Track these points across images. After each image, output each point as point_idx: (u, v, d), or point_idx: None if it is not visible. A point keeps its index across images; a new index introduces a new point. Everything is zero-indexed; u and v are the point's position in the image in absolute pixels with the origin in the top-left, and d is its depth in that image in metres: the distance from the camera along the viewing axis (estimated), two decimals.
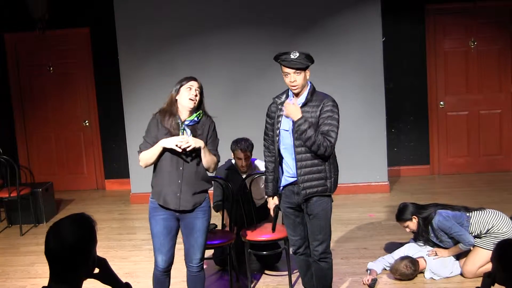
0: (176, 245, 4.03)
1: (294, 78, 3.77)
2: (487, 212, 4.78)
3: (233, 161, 5.29)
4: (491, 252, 2.89)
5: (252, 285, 4.86)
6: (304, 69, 3.77)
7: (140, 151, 3.95)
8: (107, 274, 2.43)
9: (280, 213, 4.31)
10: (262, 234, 4.73)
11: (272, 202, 4.14)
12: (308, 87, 3.88)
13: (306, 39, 7.28)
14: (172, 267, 4.05)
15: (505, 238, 4.49)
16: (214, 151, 3.98)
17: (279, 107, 3.91)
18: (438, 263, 4.80)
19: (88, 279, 2.36)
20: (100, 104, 8.30)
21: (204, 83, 8.04)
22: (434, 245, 4.89)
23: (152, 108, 4.13)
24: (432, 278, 4.79)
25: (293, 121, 3.78)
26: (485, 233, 4.72)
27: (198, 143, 3.83)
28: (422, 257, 4.86)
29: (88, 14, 8.11)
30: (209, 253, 5.16)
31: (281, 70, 3.85)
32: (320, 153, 3.77)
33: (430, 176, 8.12)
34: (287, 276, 4.76)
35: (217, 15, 7.35)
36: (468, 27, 7.93)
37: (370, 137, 7.38)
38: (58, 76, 8.37)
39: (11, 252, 6.18)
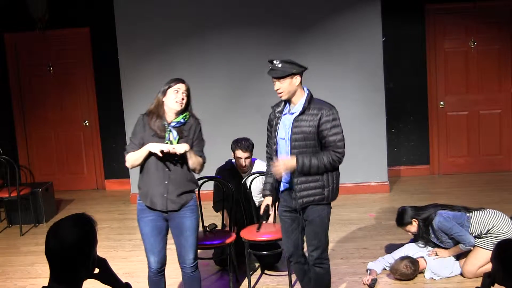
0: (170, 246, 4.02)
1: (278, 86, 3.77)
2: (487, 212, 4.78)
3: (234, 161, 5.29)
4: (491, 252, 2.89)
5: (252, 285, 4.86)
6: (286, 76, 3.73)
7: (126, 152, 3.94)
8: (107, 274, 2.43)
9: (270, 217, 4.27)
10: (262, 234, 4.73)
11: (266, 202, 4.05)
12: (305, 94, 3.81)
13: (306, 39, 7.29)
14: (170, 267, 4.04)
15: (505, 238, 4.49)
16: (200, 153, 3.97)
17: (277, 115, 3.89)
18: (438, 263, 4.80)
19: (88, 279, 2.36)
20: (100, 104, 8.30)
21: (204, 83, 8.09)
22: (435, 246, 4.89)
23: None
24: (432, 278, 4.79)
25: (297, 163, 3.72)
26: (485, 233, 4.72)
27: (182, 148, 3.81)
28: (422, 257, 4.86)
29: (88, 14, 8.11)
30: (209, 253, 5.17)
31: None
32: (335, 167, 3.80)
33: (430, 176, 8.12)
34: (287, 276, 4.77)
35: (217, 15, 7.35)
36: (468, 27, 7.93)
37: (370, 137, 7.38)
38: (58, 76, 8.37)
39: (11, 252, 6.18)
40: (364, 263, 5.12)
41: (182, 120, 3.91)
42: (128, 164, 3.94)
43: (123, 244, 6.04)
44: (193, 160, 3.89)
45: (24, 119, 8.49)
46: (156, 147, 3.78)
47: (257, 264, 5.25)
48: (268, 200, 4.04)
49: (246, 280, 4.89)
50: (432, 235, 4.80)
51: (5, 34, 8.30)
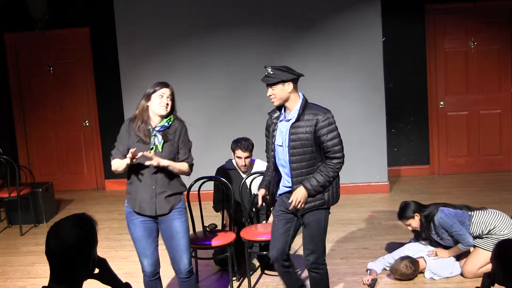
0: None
1: (270, 92, 3.77)
2: (489, 212, 4.77)
3: (234, 161, 5.29)
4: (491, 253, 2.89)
5: (252, 285, 4.86)
6: (277, 83, 3.73)
7: (112, 157, 3.94)
8: (107, 274, 2.43)
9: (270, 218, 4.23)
10: (262, 234, 4.73)
11: (261, 194, 3.95)
12: (300, 100, 3.79)
13: (306, 39, 7.29)
14: (165, 270, 4.03)
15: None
16: (187, 154, 3.96)
17: (274, 121, 3.89)
18: (438, 264, 4.79)
19: (88, 279, 2.36)
20: (100, 104, 8.30)
21: (204, 83, 8.09)
22: (436, 243, 4.88)
23: None
24: (432, 278, 4.79)
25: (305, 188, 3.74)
26: (486, 234, 4.71)
27: (162, 162, 3.80)
28: (422, 257, 4.85)
29: (88, 14, 8.11)
30: (209, 253, 5.17)
31: None
32: (339, 172, 3.83)
33: (430, 176, 8.12)
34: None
35: (217, 15, 7.35)
36: (468, 27, 7.93)
37: (370, 137, 7.38)
38: (58, 76, 8.37)
39: (11, 252, 6.18)
40: (364, 263, 5.12)
41: (166, 124, 3.89)
42: (113, 168, 3.93)
43: (123, 244, 6.04)
44: (176, 171, 3.89)
45: (24, 119, 8.49)
46: (123, 164, 3.78)
47: (257, 264, 5.25)
48: (261, 192, 3.94)
49: (246, 280, 4.89)
50: (433, 231, 4.78)
51: (5, 34, 8.30)
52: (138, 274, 5.00)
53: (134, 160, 3.75)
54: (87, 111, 8.41)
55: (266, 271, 5.16)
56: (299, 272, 4.74)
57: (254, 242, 4.87)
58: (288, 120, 3.80)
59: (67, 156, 8.52)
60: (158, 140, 3.85)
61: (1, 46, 8.32)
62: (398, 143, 8.10)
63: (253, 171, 5.20)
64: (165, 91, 3.87)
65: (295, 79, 3.77)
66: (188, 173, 3.99)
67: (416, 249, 4.93)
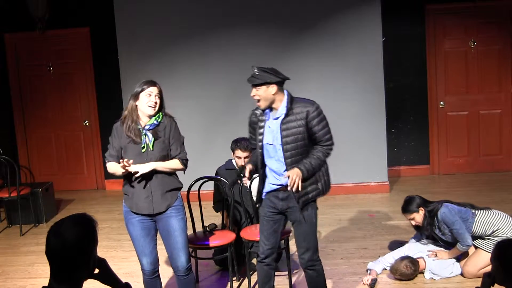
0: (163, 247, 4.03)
1: (253, 92, 3.80)
2: (493, 213, 4.75)
3: (234, 161, 5.29)
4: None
5: (252, 285, 4.86)
6: (261, 84, 3.75)
7: (107, 160, 3.95)
8: (107, 274, 2.43)
9: None
10: None
11: (249, 168, 3.91)
12: (285, 98, 3.82)
13: (306, 39, 7.29)
14: (165, 269, 4.03)
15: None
16: (179, 149, 3.96)
17: (260, 118, 3.89)
18: (437, 264, 4.79)
19: (88, 279, 2.36)
20: (100, 104, 8.30)
21: (203, 83, 8.08)
22: (437, 240, 4.86)
23: None
24: (432, 278, 4.79)
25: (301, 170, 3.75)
26: (489, 235, 4.69)
27: (147, 167, 3.81)
28: (422, 257, 4.85)
29: (88, 14, 8.11)
30: (209, 253, 5.17)
31: None
32: (328, 157, 3.87)
33: (430, 176, 8.12)
34: (287, 276, 4.76)
35: (217, 16, 7.35)
36: (468, 27, 7.93)
37: (370, 137, 7.38)
38: (58, 76, 8.37)
39: (11, 252, 6.18)
40: (364, 263, 5.12)
41: (155, 122, 3.89)
42: (109, 171, 3.96)
43: (123, 244, 6.04)
44: (167, 170, 3.90)
45: (24, 119, 8.49)
46: (119, 171, 3.80)
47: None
48: (249, 166, 3.92)
49: (246, 280, 4.89)
50: (436, 227, 4.76)
51: (5, 34, 8.30)
52: (138, 274, 5.00)
53: (127, 169, 3.78)
54: (87, 111, 8.41)
55: None
56: (295, 273, 4.74)
57: (254, 242, 4.86)
58: (277, 118, 3.82)
59: (67, 156, 8.52)
60: (148, 139, 3.86)
61: (1, 46, 8.32)
62: (398, 143, 8.10)
63: None
64: (153, 90, 3.86)
65: (279, 82, 3.79)
66: (182, 169, 3.99)
67: (416, 249, 4.93)
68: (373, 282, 4.73)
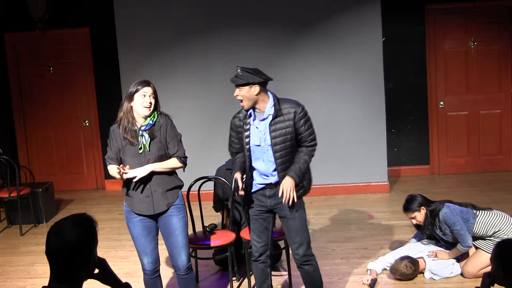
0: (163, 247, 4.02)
1: (237, 92, 3.81)
2: (494, 214, 4.74)
3: None
4: None
5: (252, 285, 4.86)
6: (244, 85, 3.76)
7: (107, 162, 3.97)
8: (106, 274, 2.44)
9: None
10: None
11: (239, 177, 3.88)
12: (270, 99, 3.84)
13: (306, 40, 7.29)
14: (166, 268, 4.03)
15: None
16: (177, 147, 3.95)
17: (245, 121, 3.90)
18: (437, 264, 4.79)
19: (88, 279, 2.36)
20: (100, 104, 8.30)
21: (203, 84, 8.07)
22: (438, 239, 4.86)
23: None
24: (432, 278, 4.79)
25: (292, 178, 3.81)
26: (489, 236, 4.69)
27: (144, 171, 3.81)
28: (422, 257, 4.85)
29: (88, 14, 8.11)
30: (209, 253, 5.17)
31: None
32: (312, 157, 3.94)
33: (430, 176, 8.12)
34: (287, 276, 4.76)
35: (217, 16, 7.35)
36: (468, 27, 7.93)
37: (370, 137, 7.38)
38: (58, 76, 8.37)
39: (11, 252, 6.18)
40: (364, 263, 5.12)
41: (151, 122, 3.89)
42: (110, 174, 3.99)
43: (123, 244, 6.04)
44: (167, 170, 3.91)
45: (24, 119, 8.49)
46: (115, 175, 3.82)
47: None
48: (238, 175, 3.89)
49: (246, 280, 4.89)
50: (437, 227, 4.76)
51: (5, 34, 8.30)
52: (138, 274, 5.01)
53: (125, 176, 3.79)
54: (87, 111, 8.40)
55: None
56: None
57: None
58: (264, 119, 3.84)
59: (67, 156, 8.52)
60: (145, 139, 3.86)
61: (1, 46, 8.32)
62: (398, 143, 8.10)
63: None
64: (147, 90, 3.86)
65: (262, 82, 3.80)
66: (181, 167, 3.98)
67: (416, 249, 4.93)
68: (373, 282, 4.73)
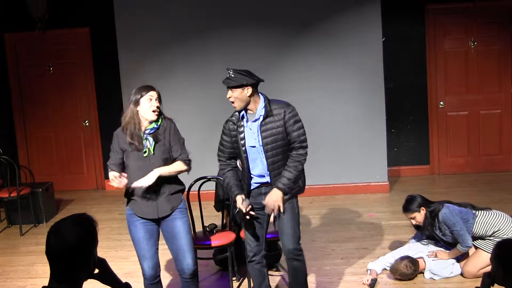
0: (165, 251, 4.01)
1: (229, 94, 3.86)
2: (494, 214, 4.74)
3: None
4: None
5: (252, 285, 4.85)
6: (237, 87, 3.79)
7: (110, 169, 3.94)
8: (106, 274, 2.43)
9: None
10: None
11: (242, 201, 3.89)
12: (261, 100, 3.89)
13: (306, 40, 7.29)
14: (166, 274, 4.02)
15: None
16: (180, 150, 3.96)
17: (238, 124, 3.92)
18: (437, 264, 4.79)
19: (88, 279, 2.36)
20: (100, 104, 8.30)
21: (204, 84, 8.08)
22: (437, 241, 4.86)
23: None
24: (432, 278, 4.79)
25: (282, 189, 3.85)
26: (489, 236, 4.68)
27: (152, 178, 3.81)
28: (422, 257, 4.85)
29: (88, 14, 8.11)
30: (209, 253, 5.17)
31: None
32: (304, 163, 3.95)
33: (430, 176, 8.12)
34: (287, 276, 4.76)
35: (217, 16, 7.35)
36: (468, 27, 7.93)
37: (370, 137, 7.38)
38: (58, 76, 8.37)
39: (11, 252, 6.18)
40: (364, 263, 5.12)
41: (155, 126, 3.90)
42: (110, 180, 3.95)
43: (123, 244, 6.04)
44: (173, 174, 3.91)
45: (24, 119, 8.49)
46: (115, 183, 3.81)
47: None
48: (239, 199, 3.92)
49: (246, 280, 4.89)
50: (436, 227, 4.76)
51: (5, 34, 8.30)
52: (138, 274, 5.00)
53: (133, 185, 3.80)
54: (87, 111, 8.41)
55: None
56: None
57: None
58: (256, 120, 3.88)
59: (67, 156, 8.52)
60: (149, 143, 3.86)
61: (1, 46, 8.32)
62: (398, 143, 8.10)
63: None
64: (153, 94, 3.89)
65: (254, 84, 3.85)
66: (187, 170, 3.98)
67: (416, 249, 4.93)
68: (373, 282, 4.74)
